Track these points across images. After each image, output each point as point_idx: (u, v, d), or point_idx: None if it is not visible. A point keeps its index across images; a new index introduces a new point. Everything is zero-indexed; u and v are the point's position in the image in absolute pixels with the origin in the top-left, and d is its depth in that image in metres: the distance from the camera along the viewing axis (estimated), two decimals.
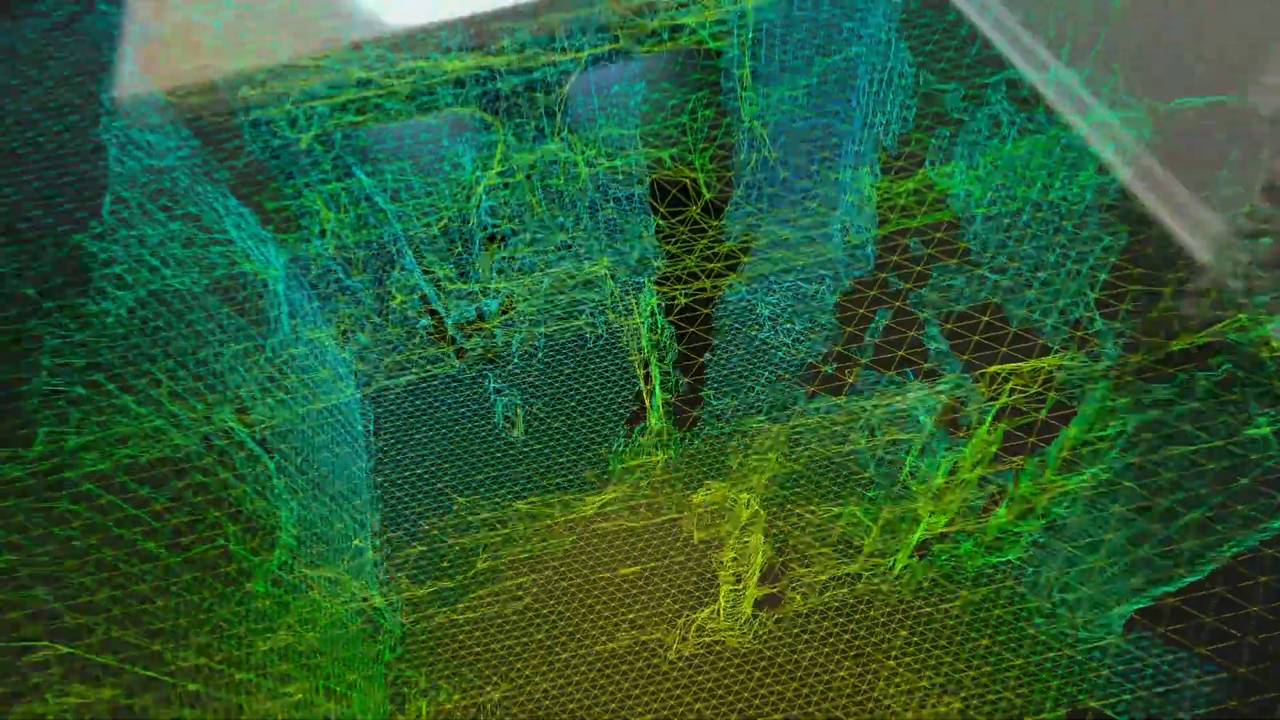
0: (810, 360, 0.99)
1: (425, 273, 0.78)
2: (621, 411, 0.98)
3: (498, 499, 0.81)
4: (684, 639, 0.79)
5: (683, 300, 0.85)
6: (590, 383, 0.98)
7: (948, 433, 0.86)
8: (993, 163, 0.69)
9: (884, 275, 0.99)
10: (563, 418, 0.95)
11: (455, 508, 0.79)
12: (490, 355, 0.89)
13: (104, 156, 0.65)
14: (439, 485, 0.83)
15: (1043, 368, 0.62)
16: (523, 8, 0.71)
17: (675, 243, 0.84)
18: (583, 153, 0.73)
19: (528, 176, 0.75)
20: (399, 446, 0.89)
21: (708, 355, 1.02)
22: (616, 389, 0.98)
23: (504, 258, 0.84)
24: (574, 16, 0.70)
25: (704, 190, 0.77)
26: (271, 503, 0.59)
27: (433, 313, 0.85)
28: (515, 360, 0.91)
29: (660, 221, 0.82)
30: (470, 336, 0.87)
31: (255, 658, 0.57)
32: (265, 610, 0.59)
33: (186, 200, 0.67)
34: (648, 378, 0.91)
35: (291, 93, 0.64)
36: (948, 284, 0.93)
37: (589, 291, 0.88)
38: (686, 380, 0.95)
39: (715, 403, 0.99)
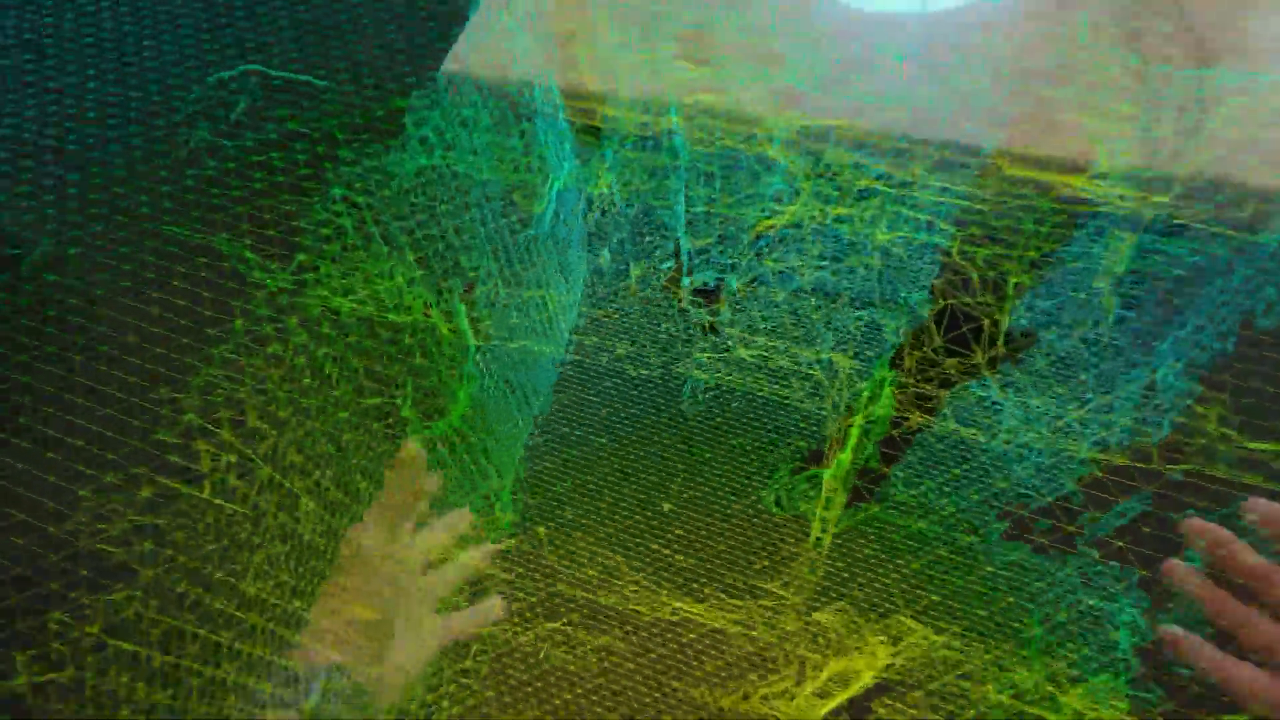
0: (1030, 499, 0.85)
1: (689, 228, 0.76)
2: (797, 450, 0.91)
3: (622, 551, 0.77)
4: (745, 696, 0.72)
5: (916, 422, 0.76)
6: (772, 414, 0.92)
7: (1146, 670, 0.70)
8: None
9: (1171, 441, 0.81)
10: (735, 436, 0.90)
11: (574, 539, 0.77)
12: (709, 327, 0.87)
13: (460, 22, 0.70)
14: (576, 500, 0.82)
15: None
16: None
17: (930, 379, 0.74)
18: (885, 232, 0.66)
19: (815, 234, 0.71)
20: (560, 428, 0.90)
21: (920, 434, 0.92)
22: (799, 425, 0.92)
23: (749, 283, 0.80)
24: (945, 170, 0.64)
25: (1000, 341, 0.67)
26: (456, 380, 0.62)
27: (677, 262, 0.83)
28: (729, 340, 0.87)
29: (930, 352, 0.73)
30: (699, 306, 0.85)
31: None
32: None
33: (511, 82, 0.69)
34: (842, 431, 0.83)
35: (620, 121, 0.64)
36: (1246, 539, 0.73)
37: (814, 371, 0.81)
38: (880, 449, 0.85)
39: (900, 488, 0.89)
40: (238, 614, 0.58)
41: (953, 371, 0.78)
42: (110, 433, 0.76)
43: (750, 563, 0.82)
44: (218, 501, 0.65)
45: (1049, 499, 0.81)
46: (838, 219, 0.74)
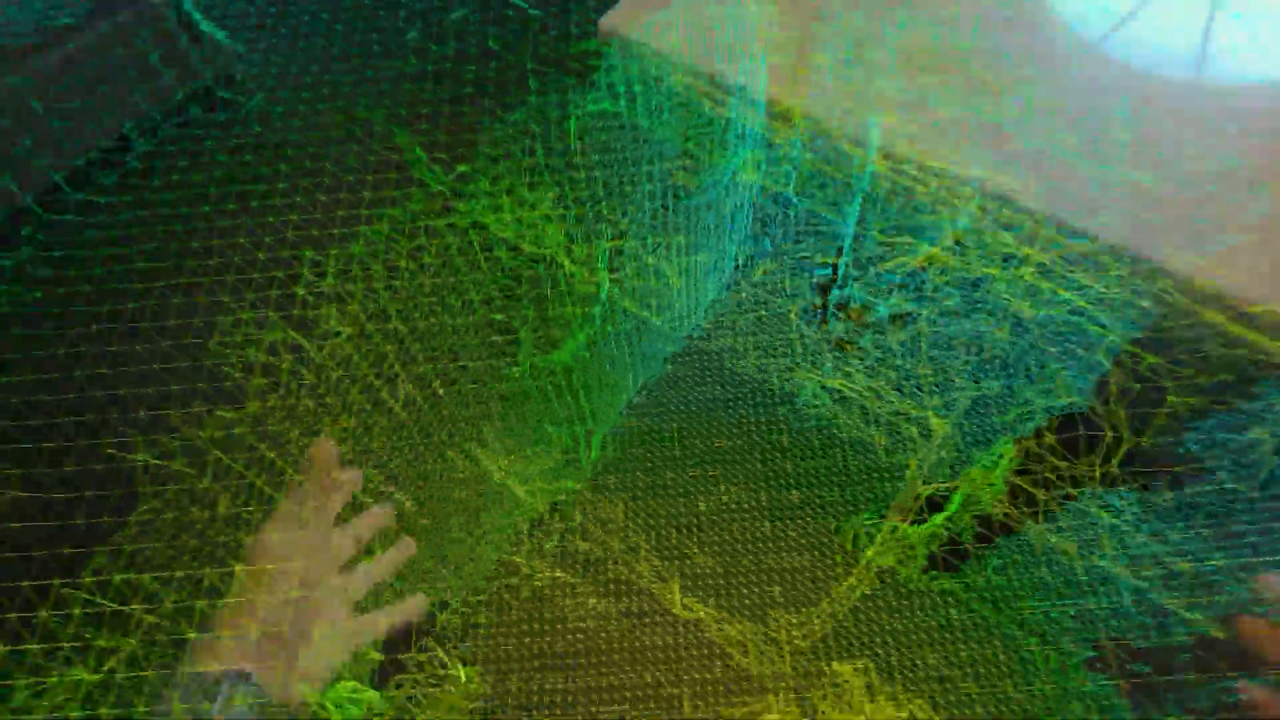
0: (1119, 636, 0.77)
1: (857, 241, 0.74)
2: (872, 499, 0.88)
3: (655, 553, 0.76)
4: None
5: (1001, 511, 0.71)
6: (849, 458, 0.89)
7: None
8: None
9: None
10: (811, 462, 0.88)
11: (607, 505, 0.77)
12: (843, 345, 0.84)
13: None
14: (625, 469, 0.81)
15: None
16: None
17: (1029, 472, 0.69)
18: (1032, 307, 0.62)
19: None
20: (652, 397, 0.89)
21: (1011, 527, 0.86)
22: (869, 474, 0.88)
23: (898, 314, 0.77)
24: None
25: (1118, 460, 0.62)
26: (579, 320, 0.63)
27: (834, 271, 0.80)
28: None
29: (1037, 445, 0.68)
30: (840, 321, 0.83)
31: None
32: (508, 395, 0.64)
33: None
34: (915, 497, 0.79)
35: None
36: None
37: (909, 427, 0.77)
38: (975, 526, 0.80)
39: (981, 572, 0.83)
40: None
41: (1052, 475, 0.72)
42: (257, 274, 0.83)
43: (765, 590, 0.79)
44: (330, 364, 0.70)
45: (1141, 644, 0.73)
46: (987, 279, 0.70)
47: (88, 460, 0.63)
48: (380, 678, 0.53)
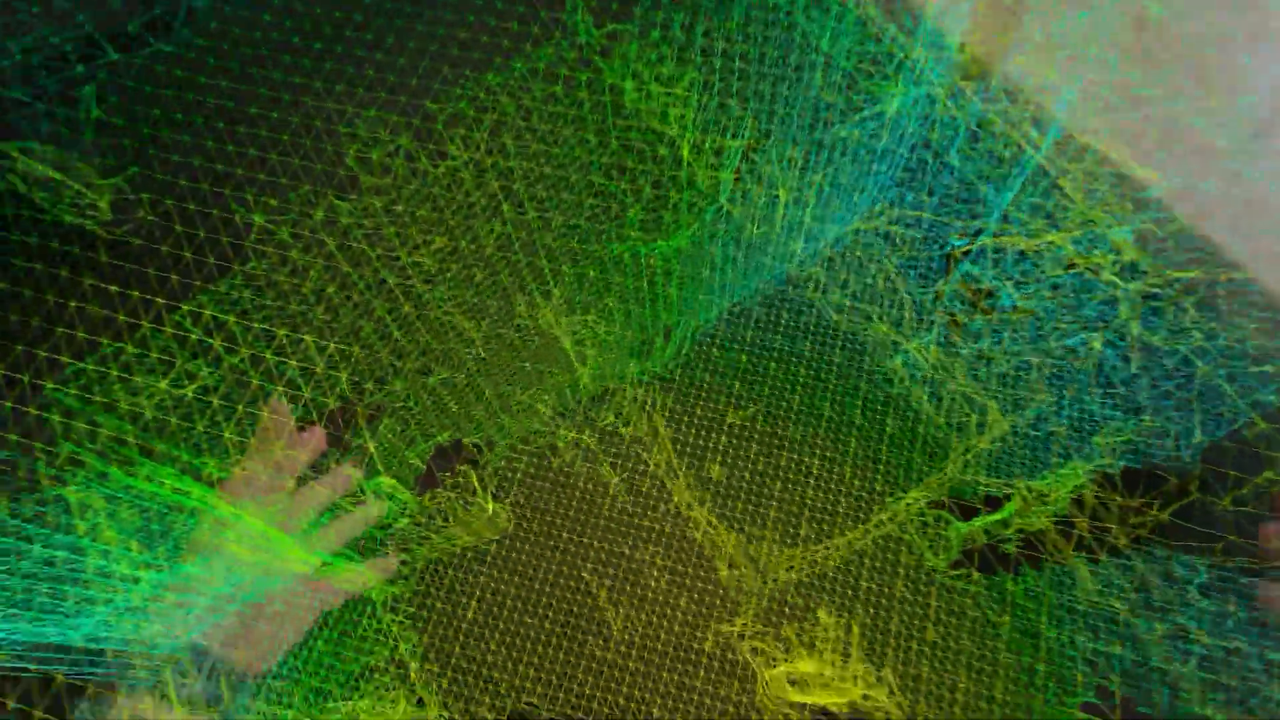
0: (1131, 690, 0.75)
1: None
2: (900, 469, 0.86)
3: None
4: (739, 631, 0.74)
5: (1037, 525, 0.68)
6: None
7: None
8: None
9: None
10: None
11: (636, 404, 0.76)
12: (953, 320, 0.81)
13: None
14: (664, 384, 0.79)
15: None
16: None
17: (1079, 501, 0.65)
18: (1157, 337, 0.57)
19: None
20: (740, 314, 0.87)
21: (1062, 557, 0.84)
22: (909, 443, 0.86)
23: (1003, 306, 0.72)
24: None
25: (1166, 510, 0.58)
26: (689, 215, 0.62)
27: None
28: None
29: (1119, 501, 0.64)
30: (964, 301, 0.79)
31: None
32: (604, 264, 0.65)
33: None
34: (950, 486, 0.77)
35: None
36: None
37: (969, 415, 0.72)
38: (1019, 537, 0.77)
39: (1019, 587, 0.82)
40: (386, 275, 0.66)
41: (1102, 507, 0.69)
42: (393, 77, 0.83)
43: (763, 514, 0.79)
44: (441, 184, 0.72)
45: (1143, 709, 0.71)
46: (1111, 291, 0.65)
47: (209, 206, 0.67)
48: (421, 488, 0.58)
